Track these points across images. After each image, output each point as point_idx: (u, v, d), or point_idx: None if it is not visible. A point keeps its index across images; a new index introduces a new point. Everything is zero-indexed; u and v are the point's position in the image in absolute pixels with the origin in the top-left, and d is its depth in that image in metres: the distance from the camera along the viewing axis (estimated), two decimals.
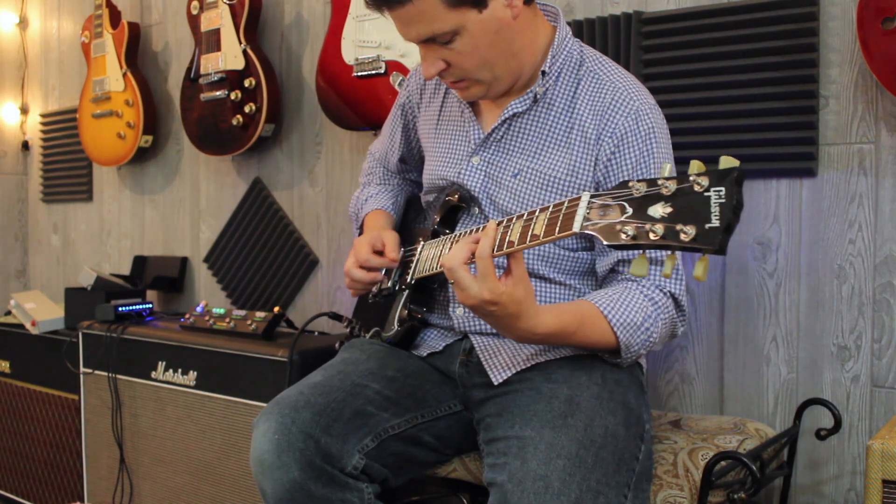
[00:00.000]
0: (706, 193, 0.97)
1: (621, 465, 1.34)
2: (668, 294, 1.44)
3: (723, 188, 0.96)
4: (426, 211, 1.77)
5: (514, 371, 1.50)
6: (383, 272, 1.66)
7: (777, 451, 1.63)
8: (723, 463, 1.37)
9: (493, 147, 1.57)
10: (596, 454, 1.31)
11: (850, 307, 1.77)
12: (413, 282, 1.59)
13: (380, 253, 1.65)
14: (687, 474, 1.46)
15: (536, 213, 1.20)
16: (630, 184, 1.05)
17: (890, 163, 1.72)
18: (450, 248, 1.46)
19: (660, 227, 0.99)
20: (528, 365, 1.49)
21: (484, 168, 1.57)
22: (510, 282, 1.24)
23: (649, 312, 1.40)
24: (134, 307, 2.68)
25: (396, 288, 1.64)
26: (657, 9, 1.97)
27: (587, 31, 2.03)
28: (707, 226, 0.96)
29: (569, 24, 1.78)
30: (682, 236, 0.97)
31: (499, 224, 1.28)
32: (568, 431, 1.32)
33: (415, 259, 1.61)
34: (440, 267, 1.45)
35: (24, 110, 3.78)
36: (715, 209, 0.96)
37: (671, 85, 1.92)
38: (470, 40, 1.40)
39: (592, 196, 1.10)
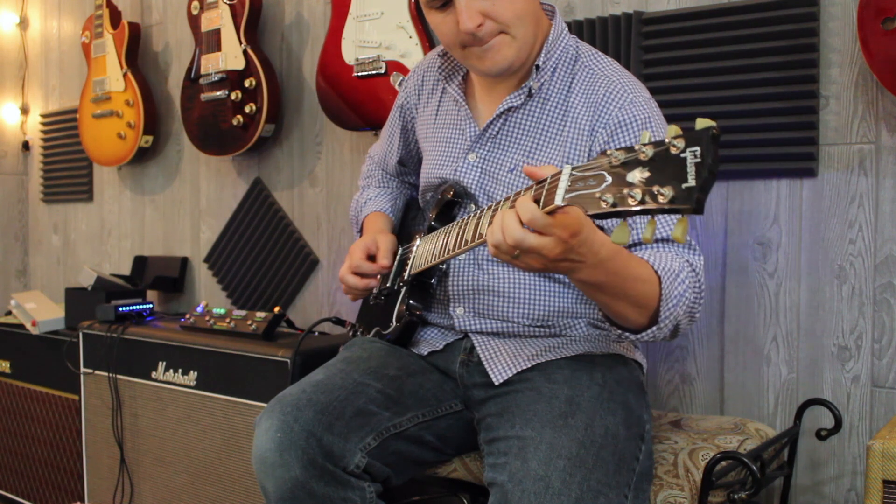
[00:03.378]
0: (682, 154, 0.97)
1: (622, 465, 1.34)
2: (692, 267, 1.38)
3: (698, 147, 0.96)
4: (423, 210, 1.78)
5: (514, 371, 1.50)
6: (379, 277, 1.66)
7: (777, 452, 1.63)
8: (723, 463, 1.37)
9: (488, 143, 1.58)
10: (596, 454, 1.31)
11: (850, 307, 1.77)
12: (410, 278, 1.60)
13: (374, 258, 1.65)
14: (687, 474, 1.46)
15: (521, 193, 1.19)
16: (608, 152, 1.05)
17: (890, 163, 1.72)
18: (444, 240, 1.45)
19: (637, 192, 0.99)
20: (529, 365, 1.49)
21: (480, 164, 1.58)
22: (561, 217, 1.13)
23: (682, 265, 1.34)
24: (134, 307, 2.67)
25: (395, 286, 1.65)
26: (657, 9, 1.97)
27: (587, 31, 2.03)
28: (683, 185, 0.96)
29: (569, 24, 1.79)
30: (660, 198, 0.97)
31: (488, 209, 1.28)
32: (568, 431, 1.32)
33: (411, 256, 1.62)
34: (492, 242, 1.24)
35: (25, 110, 3.78)
36: (691, 169, 0.95)
37: (671, 85, 1.93)
38: None
39: (574, 168, 1.09)
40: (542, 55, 1.52)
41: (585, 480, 1.27)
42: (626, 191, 1.00)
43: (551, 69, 1.53)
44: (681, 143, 0.97)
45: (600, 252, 1.17)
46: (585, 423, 1.34)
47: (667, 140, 0.98)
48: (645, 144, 1.01)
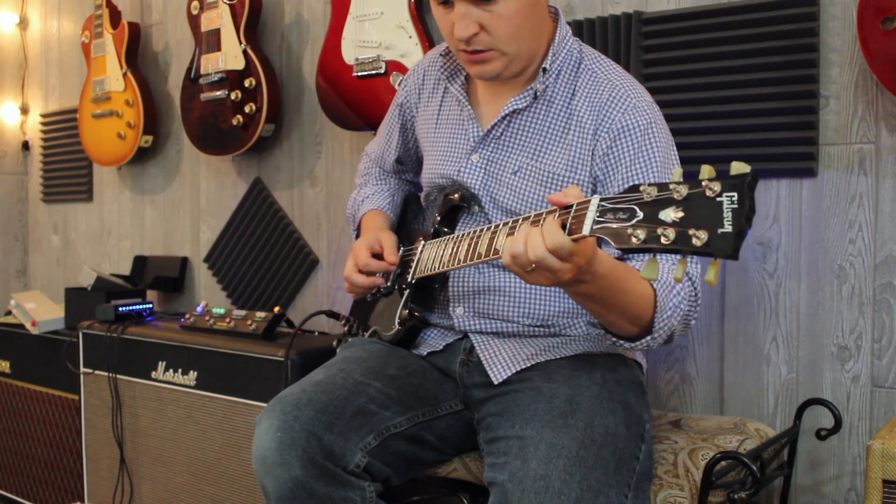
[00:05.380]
0: (718, 199, 0.97)
1: (622, 464, 1.34)
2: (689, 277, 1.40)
3: (735, 193, 0.96)
4: (426, 210, 1.77)
5: (514, 370, 1.50)
6: (382, 274, 1.66)
7: (777, 451, 1.63)
8: (723, 463, 1.37)
9: (492, 144, 1.58)
10: (596, 454, 1.31)
11: (850, 307, 1.77)
12: (414, 281, 1.59)
13: (378, 256, 1.65)
14: (687, 474, 1.46)
15: (544, 216, 1.20)
16: (641, 188, 1.04)
17: (890, 163, 1.72)
18: (454, 249, 1.45)
19: (671, 232, 0.99)
20: (529, 364, 1.49)
21: (484, 166, 1.58)
22: (582, 244, 1.17)
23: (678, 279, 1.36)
24: (134, 307, 2.67)
25: (396, 287, 1.64)
26: (657, 9, 1.97)
27: (587, 31, 2.03)
28: (719, 231, 0.96)
29: (569, 23, 1.78)
30: (695, 241, 0.97)
31: (504, 224, 1.28)
32: (568, 431, 1.32)
33: (415, 259, 1.62)
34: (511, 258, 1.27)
35: (25, 110, 3.78)
36: (727, 214, 0.96)
37: (671, 85, 1.93)
38: (514, 4, 1.42)
39: (602, 199, 1.09)
40: (549, 58, 1.52)
41: (585, 480, 1.27)
42: (659, 230, 1.01)
43: (556, 72, 1.53)
44: (717, 186, 0.97)
45: (599, 270, 1.22)
46: (585, 422, 1.35)
47: (703, 182, 0.98)
48: (679, 183, 1.01)
